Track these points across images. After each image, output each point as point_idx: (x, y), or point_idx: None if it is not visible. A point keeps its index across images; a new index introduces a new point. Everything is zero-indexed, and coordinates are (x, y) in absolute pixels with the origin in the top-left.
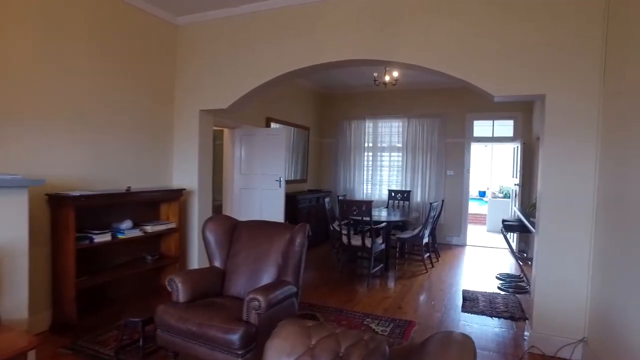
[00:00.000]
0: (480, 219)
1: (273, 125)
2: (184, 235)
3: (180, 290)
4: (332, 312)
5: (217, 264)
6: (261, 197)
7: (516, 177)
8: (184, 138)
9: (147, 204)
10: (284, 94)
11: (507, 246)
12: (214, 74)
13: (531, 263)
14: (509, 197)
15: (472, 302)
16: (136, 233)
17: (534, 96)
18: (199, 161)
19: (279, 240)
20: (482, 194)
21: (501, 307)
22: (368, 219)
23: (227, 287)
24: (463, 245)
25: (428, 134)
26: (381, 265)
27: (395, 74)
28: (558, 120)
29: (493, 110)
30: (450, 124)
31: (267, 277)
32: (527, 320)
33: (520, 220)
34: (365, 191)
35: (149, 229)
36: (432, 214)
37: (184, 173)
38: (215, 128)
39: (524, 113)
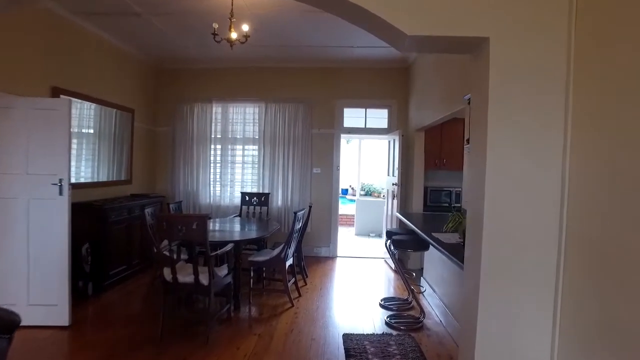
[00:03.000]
0: (346, 220)
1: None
2: None
3: None
4: None
5: None
6: (28, 211)
7: (394, 175)
8: None
9: None
10: (92, 59)
11: (379, 255)
12: None
13: (424, 287)
14: (370, 195)
15: (360, 359)
16: None
17: (469, 40)
18: None
19: None
20: (345, 191)
21: None
22: (202, 241)
23: None
24: (333, 256)
25: (291, 123)
26: (228, 305)
27: (245, 27)
28: (508, 82)
29: (365, 96)
30: (317, 112)
31: None
32: None
33: (411, 233)
34: (212, 194)
35: None
36: (297, 226)
37: None
38: None
39: (400, 102)
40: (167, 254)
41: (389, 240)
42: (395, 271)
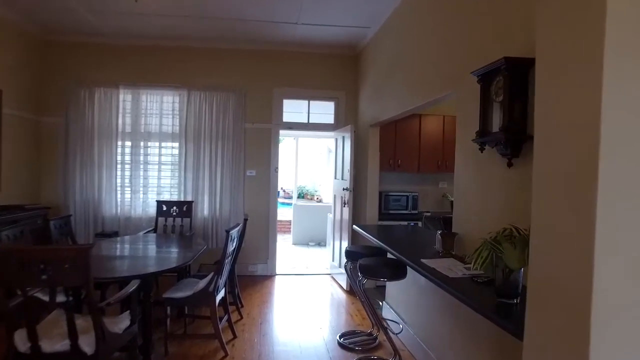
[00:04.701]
0: (281, 227)
1: None
2: None
3: None
4: None
5: None
6: None
7: (344, 179)
8: None
9: None
10: None
11: (323, 269)
12: None
13: (400, 325)
14: (302, 197)
15: None
16: None
17: None
18: None
19: None
20: (277, 194)
21: None
22: (82, 285)
23: None
24: (272, 275)
25: (219, 116)
26: None
27: None
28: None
29: (309, 86)
30: (251, 103)
31: None
32: None
33: (377, 252)
34: (119, 203)
35: None
36: (231, 248)
37: None
38: None
39: (348, 94)
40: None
41: (349, 262)
42: (348, 291)
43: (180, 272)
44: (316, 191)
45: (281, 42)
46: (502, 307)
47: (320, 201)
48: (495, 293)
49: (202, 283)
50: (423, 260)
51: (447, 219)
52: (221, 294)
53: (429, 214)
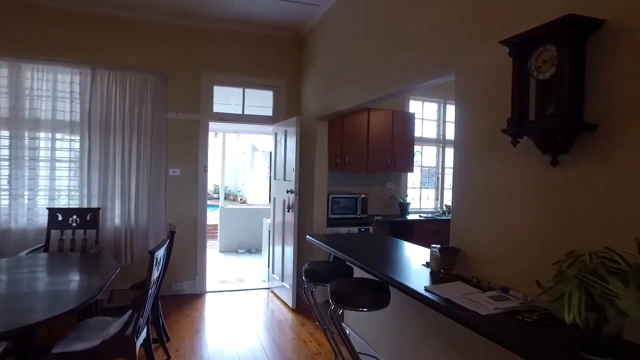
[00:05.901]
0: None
1: None
2: None
3: None
4: None
5: None
6: None
7: (286, 179)
8: None
9: None
10: None
11: (259, 283)
12: None
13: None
14: (225, 199)
15: None
16: None
17: None
18: None
19: None
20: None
21: None
22: None
23: None
24: (201, 293)
25: (134, 102)
26: None
27: None
28: None
29: (245, 72)
30: (175, 88)
31: None
32: None
33: (343, 268)
34: None
35: None
36: (156, 274)
37: None
38: None
39: (290, 82)
40: None
41: (311, 284)
42: (294, 310)
43: (83, 311)
44: (239, 191)
45: (214, 17)
46: None
47: (244, 202)
48: (580, 346)
49: (115, 326)
50: (427, 287)
51: (395, 222)
52: (143, 335)
53: (379, 218)
